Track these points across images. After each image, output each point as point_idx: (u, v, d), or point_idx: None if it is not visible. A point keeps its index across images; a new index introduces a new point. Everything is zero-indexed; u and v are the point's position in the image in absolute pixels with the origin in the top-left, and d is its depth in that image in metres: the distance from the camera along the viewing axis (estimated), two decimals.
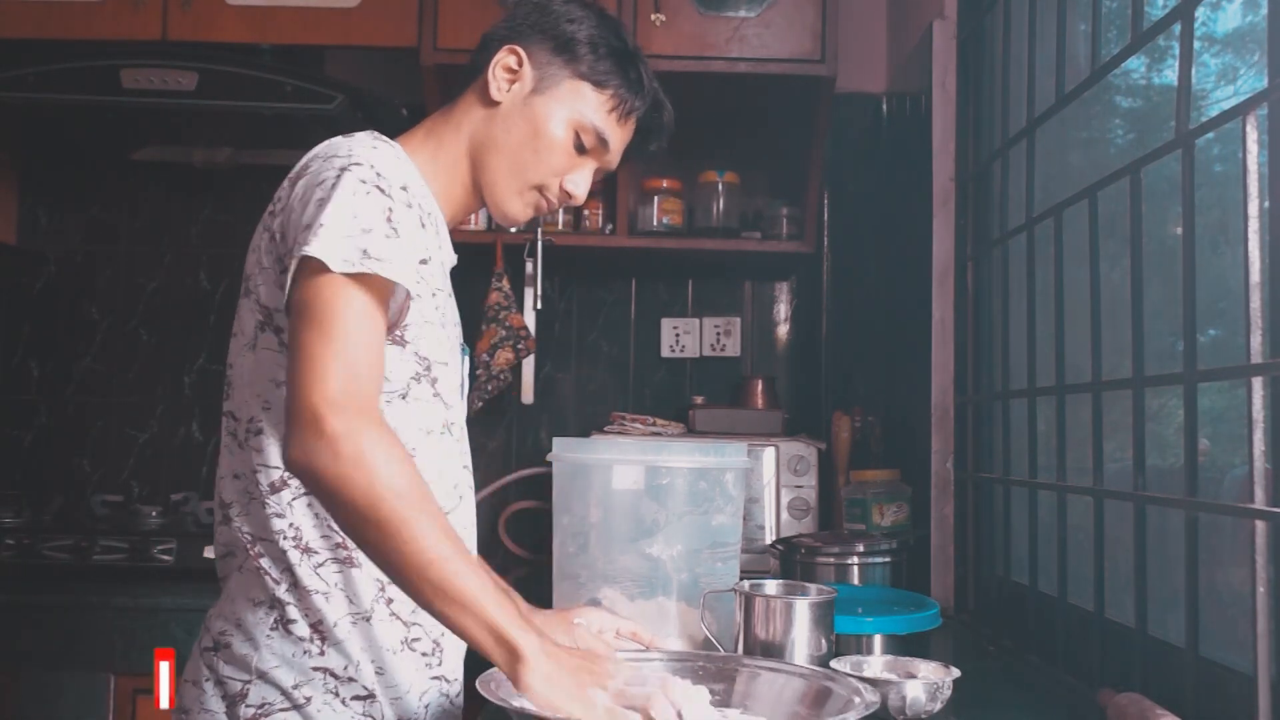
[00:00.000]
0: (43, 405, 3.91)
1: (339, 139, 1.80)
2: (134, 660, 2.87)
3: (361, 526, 1.49)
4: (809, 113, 3.46)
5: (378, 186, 1.68)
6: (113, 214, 3.96)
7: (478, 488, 2.59)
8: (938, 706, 1.88)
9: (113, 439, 3.91)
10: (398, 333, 1.76)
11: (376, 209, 1.66)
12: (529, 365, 3.84)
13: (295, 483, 1.73)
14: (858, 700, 1.61)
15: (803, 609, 2.11)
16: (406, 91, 3.59)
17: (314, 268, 1.59)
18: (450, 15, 3.29)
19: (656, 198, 3.63)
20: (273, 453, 1.75)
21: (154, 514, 3.42)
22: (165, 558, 3.05)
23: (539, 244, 3.49)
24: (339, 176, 1.67)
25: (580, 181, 1.99)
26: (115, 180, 3.95)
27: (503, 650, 1.47)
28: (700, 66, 3.34)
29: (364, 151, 1.74)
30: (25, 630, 2.88)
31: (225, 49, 3.36)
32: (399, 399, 1.77)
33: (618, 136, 2.00)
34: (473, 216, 3.50)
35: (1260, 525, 1.63)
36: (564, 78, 1.94)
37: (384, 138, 1.84)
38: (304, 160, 1.79)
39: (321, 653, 1.72)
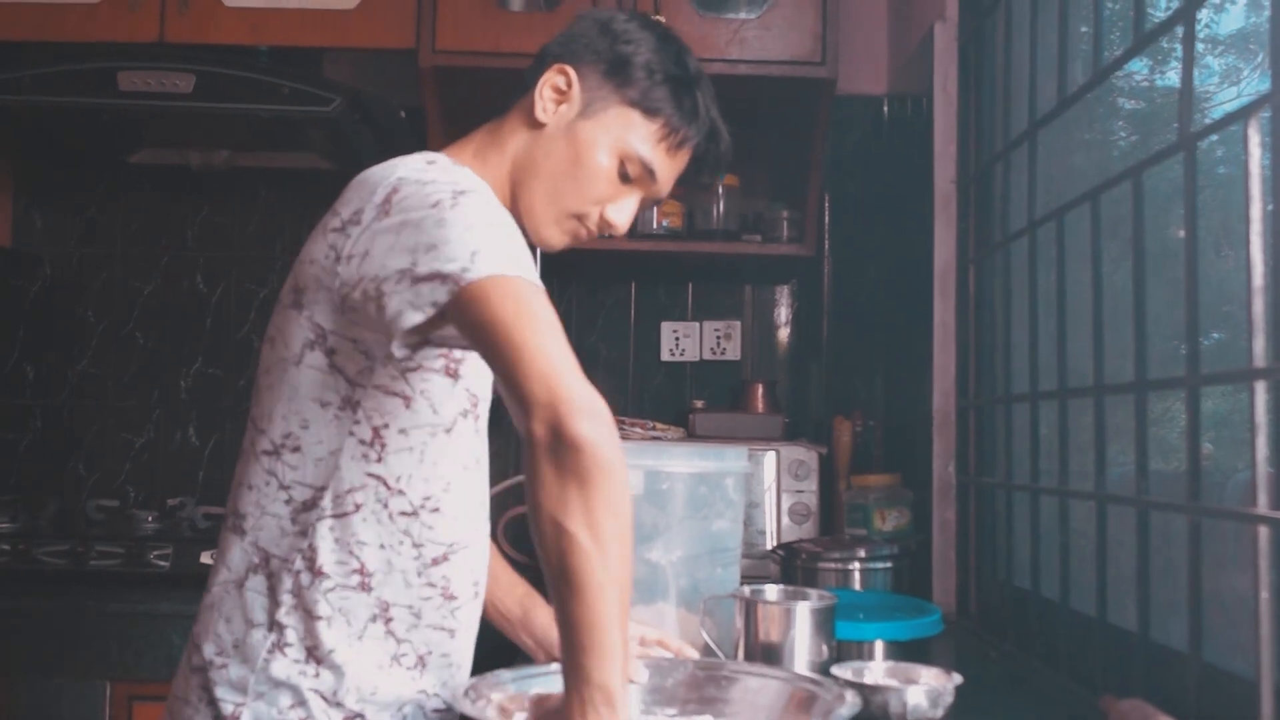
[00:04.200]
0: (38, 409, 3.90)
1: (417, 160, 1.75)
2: (130, 667, 2.86)
3: (609, 518, 1.44)
4: (809, 115, 3.45)
5: (499, 210, 1.67)
6: (109, 217, 3.95)
7: None
8: (939, 713, 1.87)
9: (108, 443, 3.90)
10: (453, 364, 1.74)
11: (512, 233, 1.64)
12: None
13: (325, 504, 1.70)
14: (836, 704, 1.61)
15: (803, 615, 2.10)
16: (405, 93, 3.58)
17: (502, 280, 1.53)
18: (449, 17, 3.28)
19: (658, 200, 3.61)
20: (309, 471, 1.72)
21: (150, 519, 3.40)
22: (161, 563, 3.03)
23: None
24: (458, 200, 1.62)
25: (623, 211, 1.94)
26: (111, 183, 3.95)
27: (607, 705, 1.44)
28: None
29: (466, 179, 1.71)
30: (20, 637, 2.87)
31: (222, 51, 3.35)
32: (444, 433, 1.75)
33: (667, 167, 1.93)
34: None
35: (1263, 530, 1.62)
36: (613, 103, 1.88)
37: (454, 160, 1.82)
38: (386, 179, 1.71)
39: (316, 675, 1.69)
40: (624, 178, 1.90)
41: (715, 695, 1.81)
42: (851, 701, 1.61)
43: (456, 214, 1.60)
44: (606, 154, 1.87)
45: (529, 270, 1.57)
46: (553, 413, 1.46)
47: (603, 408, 1.47)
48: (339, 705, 1.70)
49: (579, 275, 3.95)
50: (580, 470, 1.44)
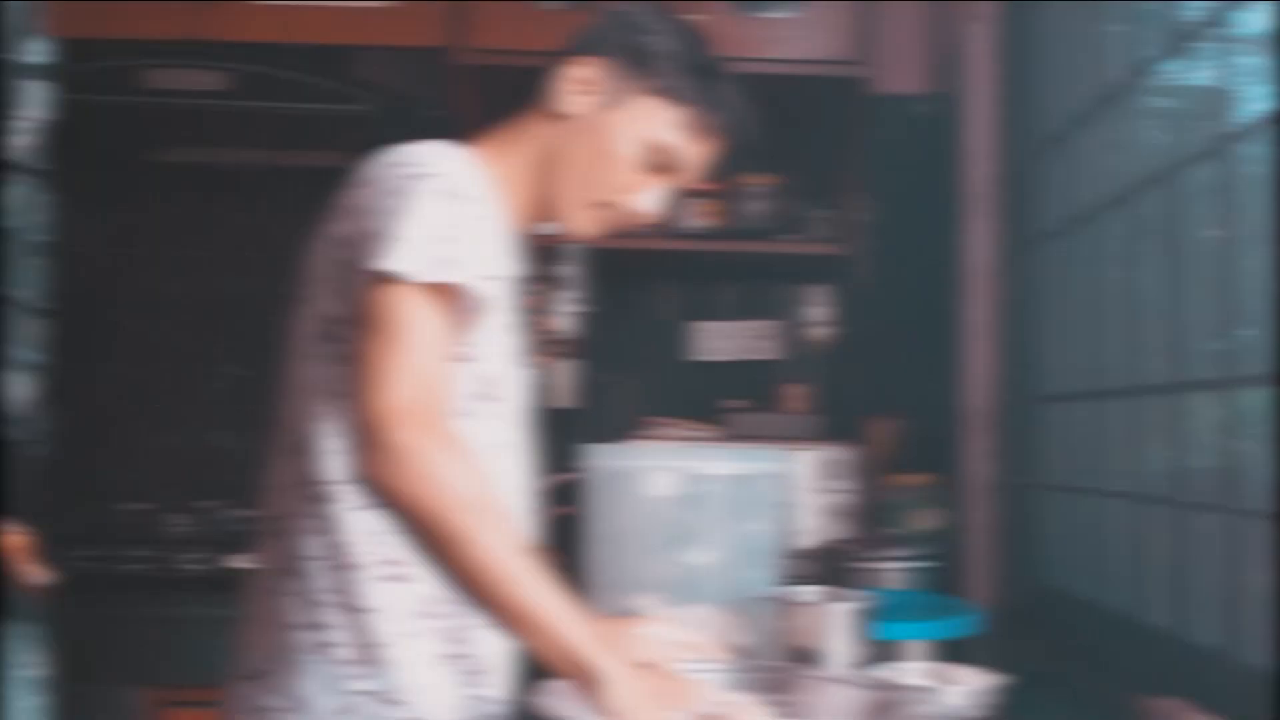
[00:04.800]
0: (68, 412, 3.89)
1: (409, 146, 1.75)
2: (162, 671, 2.85)
3: (429, 541, 1.49)
4: (846, 114, 3.44)
5: (453, 196, 1.65)
6: (140, 217, 3.94)
7: None
8: (978, 713, 1.86)
9: (140, 446, 3.89)
10: (464, 348, 1.72)
11: (452, 218, 1.63)
12: (563, 370, 3.82)
13: (347, 496, 1.68)
14: (922, 710, 1.61)
15: (840, 616, 2.09)
16: (438, 92, 3.57)
17: (389, 279, 1.56)
18: (482, 15, 3.26)
19: (693, 199, 3.59)
20: (323, 465, 1.69)
21: (182, 522, 3.40)
22: (193, 567, 3.03)
23: (573, 247, 3.47)
24: (411, 184, 1.63)
25: (652, 200, 1.92)
26: (143, 182, 3.93)
27: (577, 673, 1.50)
28: (736, 68, 3.32)
29: (437, 161, 1.70)
30: (51, 641, 2.87)
31: (254, 49, 3.35)
32: (458, 419, 1.73)
33: (694, 155, 1.91)
34: None
35: None
36: (637, 93, 1.86)
37: (455, 146, 1.79)
38: (370, 166, 1.73)
39: (365, 676, 1.66)
40: (651, 166, 1.89)
41: (793, 700, 1.81)
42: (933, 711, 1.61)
43: (401, 202, 1.61)
44: (632, 143, 1.86)
45: (444, 270, 1.58)
46: (354, 439, 1.53)
47: (405, 439, 1.50)
48: (394, 703, 1.67)
49: (615, 274, 3.93)
50: (386, 504, 1.51)
